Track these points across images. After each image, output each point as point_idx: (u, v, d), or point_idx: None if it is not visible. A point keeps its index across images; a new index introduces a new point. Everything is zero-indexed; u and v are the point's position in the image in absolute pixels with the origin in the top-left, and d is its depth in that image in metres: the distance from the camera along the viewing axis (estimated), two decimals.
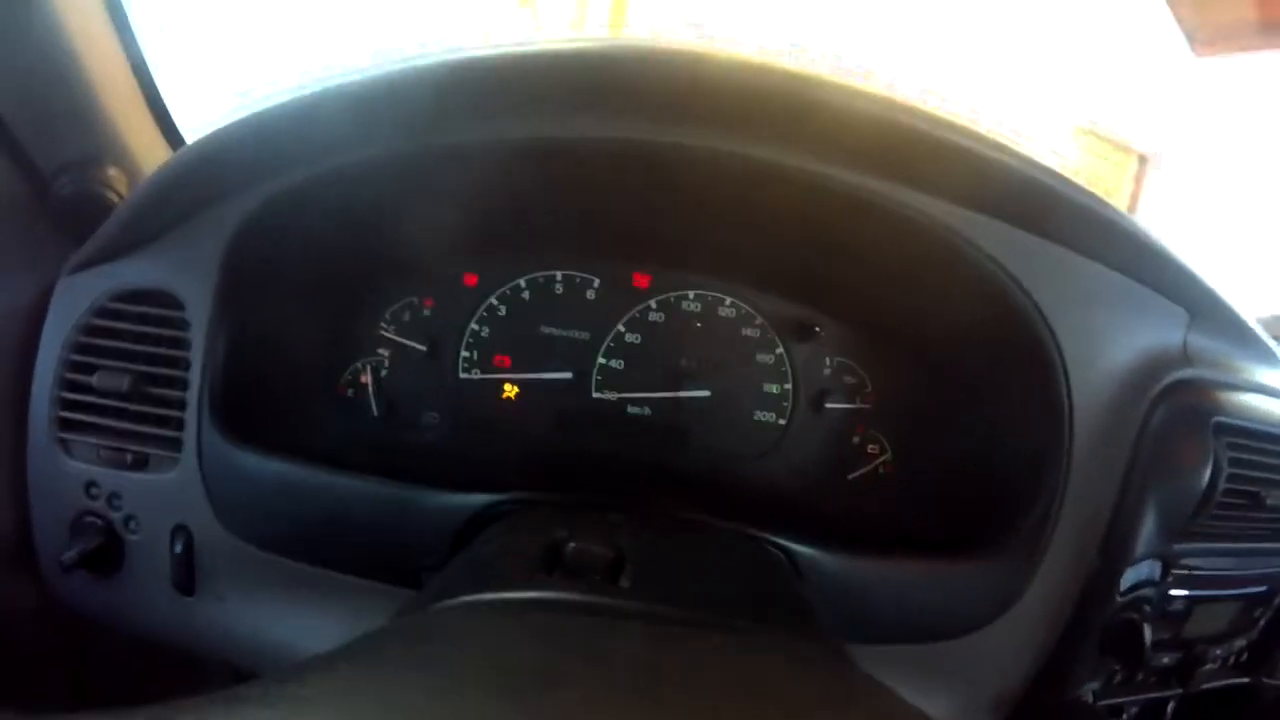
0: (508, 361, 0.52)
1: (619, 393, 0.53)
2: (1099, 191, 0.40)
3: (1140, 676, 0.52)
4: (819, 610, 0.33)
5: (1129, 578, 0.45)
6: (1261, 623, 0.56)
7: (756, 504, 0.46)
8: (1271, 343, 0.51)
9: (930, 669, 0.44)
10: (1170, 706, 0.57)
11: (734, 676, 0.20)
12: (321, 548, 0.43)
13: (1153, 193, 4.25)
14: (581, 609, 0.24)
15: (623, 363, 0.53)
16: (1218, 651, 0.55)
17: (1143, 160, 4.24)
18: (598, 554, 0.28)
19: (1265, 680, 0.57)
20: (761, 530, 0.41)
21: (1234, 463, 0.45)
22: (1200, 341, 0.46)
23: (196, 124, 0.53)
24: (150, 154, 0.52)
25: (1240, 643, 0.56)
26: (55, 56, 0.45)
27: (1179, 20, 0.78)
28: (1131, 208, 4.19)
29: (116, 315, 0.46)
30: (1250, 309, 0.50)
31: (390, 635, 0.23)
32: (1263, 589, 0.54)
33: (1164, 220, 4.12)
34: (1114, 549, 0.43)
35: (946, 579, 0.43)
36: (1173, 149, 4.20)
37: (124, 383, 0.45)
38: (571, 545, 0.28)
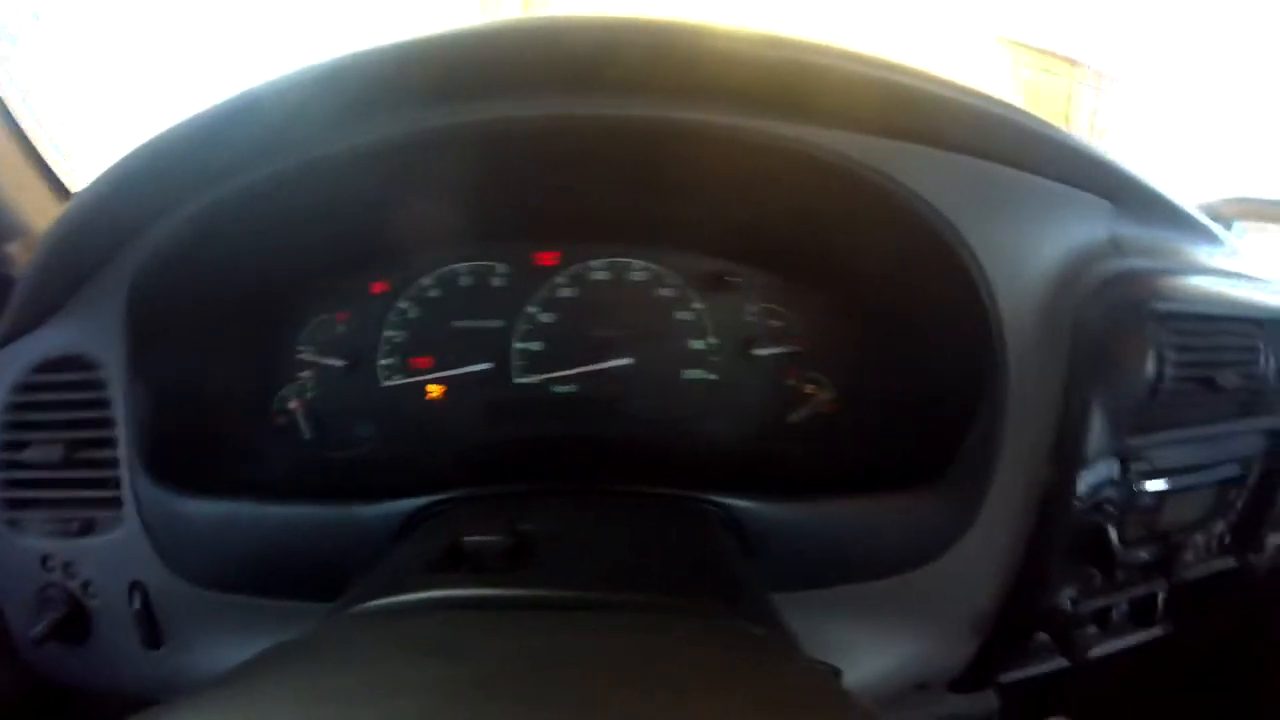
0: (427, 362, 0.51)
1: (541, 374, 0.52)
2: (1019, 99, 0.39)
3: (1120, 575, 0.52)
4: (746, 570, 0.32)
5: (1086, 481, 0.44)
6: (1239, 504, 0.55)
7: (698, 464, 0.45)
8: (1205, 221, 0.49)
9: (899, 602, 0.44)
10: (1160, 598, 0.56)
11: (605, 661, 0.19)
12: (271, 579, 0.43)
13: (1112, 105, 4.26)
14: (474, 603, 0.24)
15: (541, 344, 0.52)
16: (1198, 539, 0.54)
17: (1071, 64, 4.22)
18: (497, 544, 0.28)
19: (1252, 559, 0.57)
20: (702, 491, 0.40)
21: (1178, 348, 0.44)
22: (1128, 230, 0.45)
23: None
24: (48, 220, 0.51)
25: (1220, 526, 0.55)
26: None
27: None
28: (1066, 111, 4.21)
29: (38, 388, 0.46)
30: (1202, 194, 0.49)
31: (276, 655, 0.22)
32: (1236, 470, 0.54)
33: (1121, 128, 4.15)
34: (1065, 455, 0.43)
35: (899, 511, 0.42)
36: (1099, 53, 4.18)
37: (56, 453, 0.45)
38: (468, 539, 0.28)
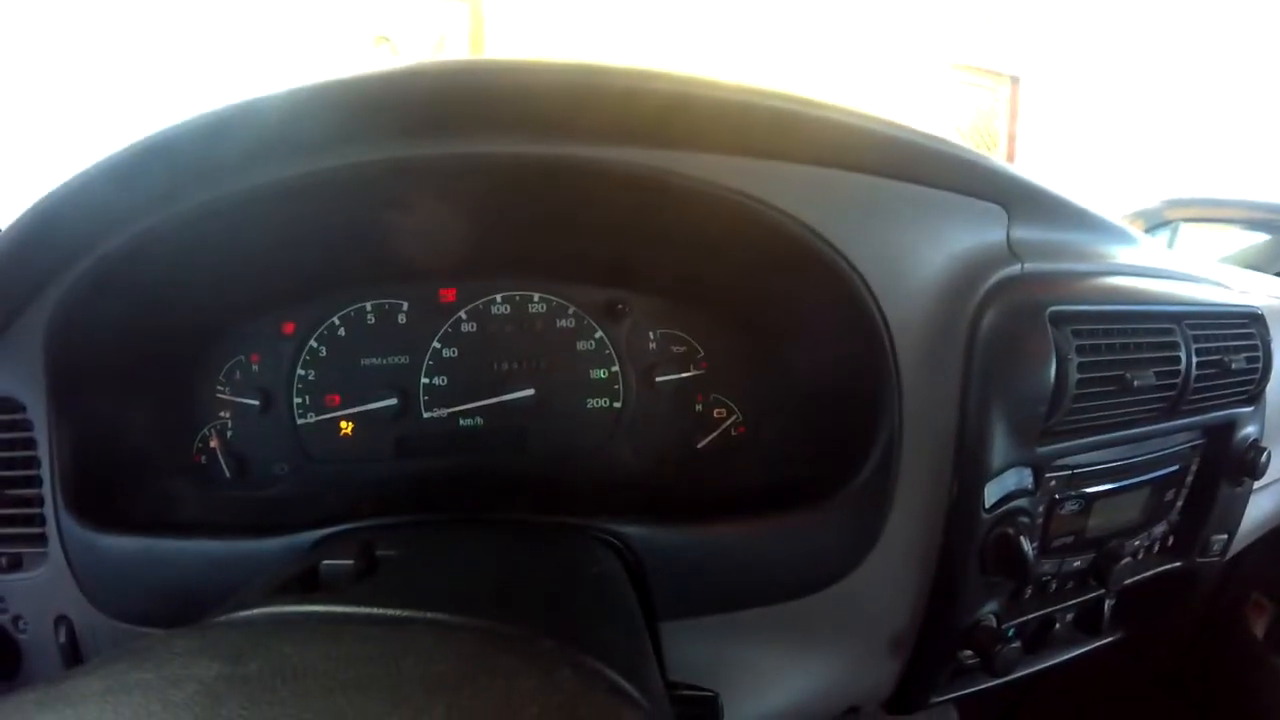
0: (338, 399, 0.53)
1: (448, 408, 0.53)
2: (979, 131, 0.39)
3: (1054, 585, 0.51)
4: (610, 600, 0.32)
5: (993, 492, 0.43)
6: (1179, 504, 0.54)
7: (600, 492, 0.45)
8: (1111, 220, 0.48)
9: (810, 623, 0.43)
10: (1107, 606, 0.55)
11: (357, 670, 0.20)
12: (185, 612, 0.43)
13: (1027, 111, 4.53)
14: (299, 619, 0.25)
15: (446, 378, 0.53)
16: (1135, 543, 0.52)
17: (1014, 81, 4.38)
18: (349, 568, 0.29)
19: (1200, 560, 0.55)
20: (596, 519, 0.40)
21: (1082, 350, 0.43)
22: (1025, 234, 0.44)
23: None
24: None
25: (1161, 528, 0.54)
26: None
27: None
28: (1010, 127, 4.50)
29: None
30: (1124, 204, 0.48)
31: (106, 657, 0.23)
32: (1173, 468, 0.52)
33: (1039, 135, 4.44)
34: (968, 467, 0.42)
35: (797, 532, 0.42)
36: (1039, 69, 4.34)
37: None
38: (324, 563, 0.29)
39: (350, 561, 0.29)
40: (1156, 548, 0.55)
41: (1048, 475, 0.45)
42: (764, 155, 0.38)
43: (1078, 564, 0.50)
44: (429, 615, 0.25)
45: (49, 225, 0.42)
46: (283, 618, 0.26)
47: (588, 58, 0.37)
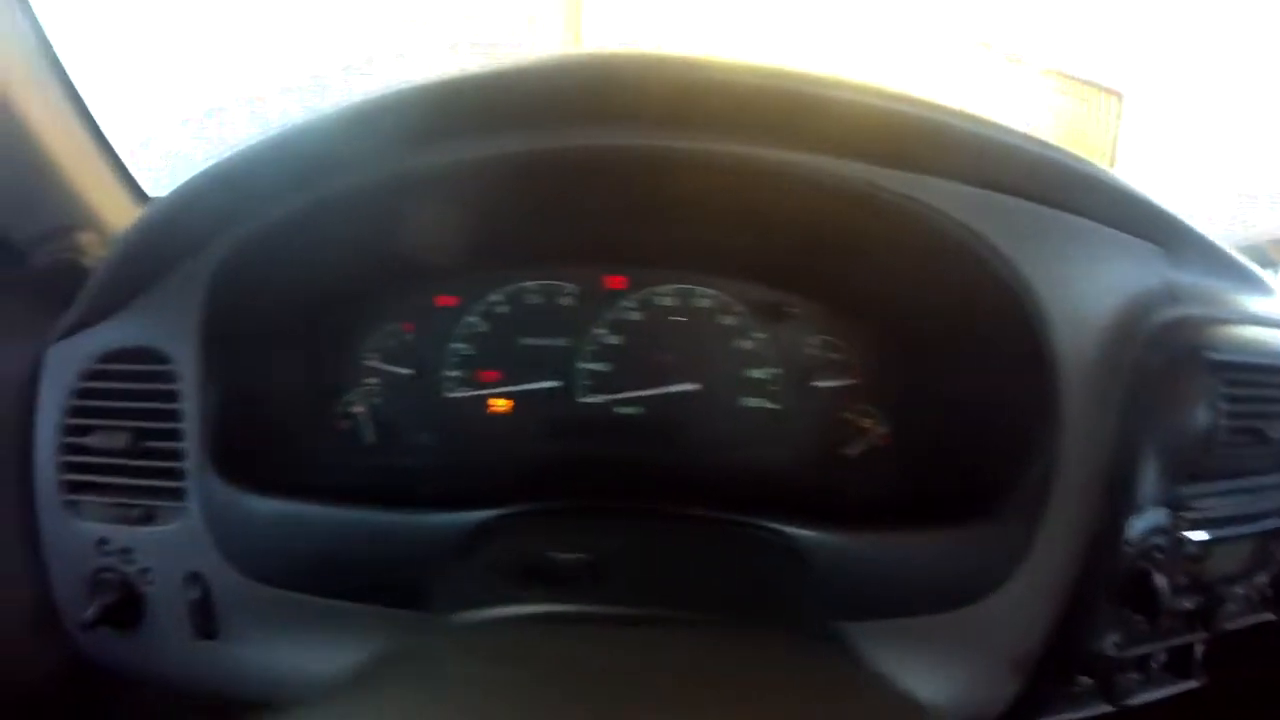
0: (493, 376, 0.52)
1: (606, 395, 0.53)
2: (1069, 141, 0.40)
3: (1162, 623, 0.52)
4: (806, 596, 0.33)
5: (1136, 527, 0.44)
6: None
7: (753, 491, 0.46)
8: (1254, 268, 0.50)
9: (944, 639, 0.44)
10: (1199, 650, 0.56)
11: (708, 678, 0.20)
12: (328, 579, 0.44)
13: (1130, 130, 4.30)
14: (564, 618, 0.25)
15: (607, 365, 0.53)
16: (1239, 590, 0.54)
17: (1119, 98, 4.21)
18: (574, 562, 0.29)
19: None
20: (758, 517, 0.41)
21: (1231, 399, 0.44)
22: (1182, 277, 0.45)
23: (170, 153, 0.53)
24: (120, 215, 0.52)
25: (1262, 578, 0.55)
26: (20, 138, 0.46)
27: None
28: (1112, 147, 4.29)
29: (106, 376, 0.47)
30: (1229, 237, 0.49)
31: (390, 663, 0.23)
32: (1278, 522, 0.54)
33: (1141, 157, 4.24)
34: (1117, 500, 0.43)
35: (950, 547, 0.43)
36: (1145, 85, 4.19)
37: (121, 440, 0.46)
38: (551, 556, 0.29)
39: (578, 556, 0.29)
40: (1256, 598, 0.56)
41: (1181, 515, 0.47)
42: (956, 177, 0.38)
43: (1187, 604, 0.51)
44: (697, 616, 0.25)
45: (224, 186, 0.42)
46: (546, 616, 0.25)
47: (786, 61, 0.37)
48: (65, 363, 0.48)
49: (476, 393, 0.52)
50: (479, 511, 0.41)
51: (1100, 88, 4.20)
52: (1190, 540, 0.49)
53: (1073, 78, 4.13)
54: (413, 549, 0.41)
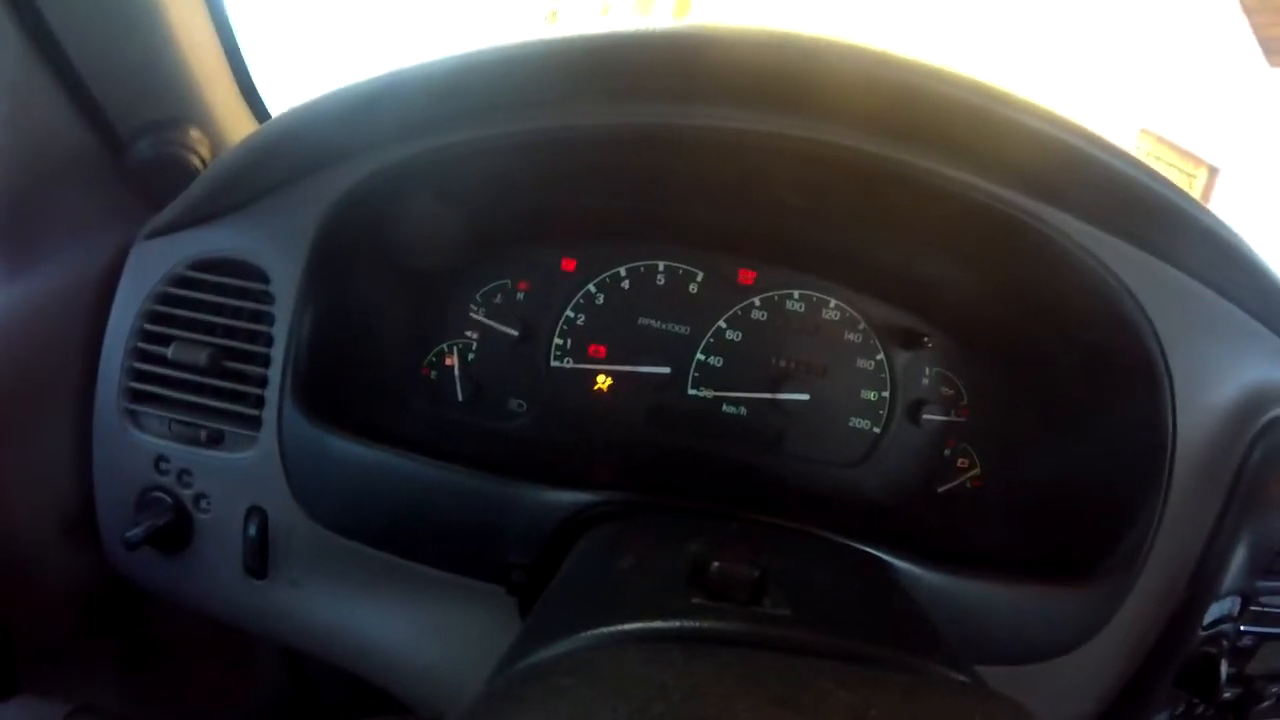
0: (603, 351, 0.51)
1: (715, 391, 0.51)
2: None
3: (1201, 709, 0.53)
4: (946, 632, 0.32)
5: (1212, 612, 0.44)
6: None
7: (849, 513, 0.45)
8: None
9: (1015, 692, 0.44)
10: None
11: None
12: (405, 538, 0.42)
13: (1221, 205, 4.23)
14: (740, 639, 0.23)
15: (721, 360, 0.51)
16: (1274, 689, 0.55)
17: (1212, 172, 4.18)
18: (744, 575, 0.27)
19: None
20: (859, 541, 0.40)
21: None
22: None
23: (280, 94, 0.51)
24: (232, 119, 0.50)
25: None
26: (137, 16, 0.43)
27: (1255, 29, 0.77)
28: None
29: (195, 285, 0.45)
30: None
31: (552, 668, 0.22)
32: None
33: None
34: (1202, 583, 0.43)
35: (1035, 602, 0.42)
36: (1241, 160, 4.11)
37: (202, 356, 0.43)
38: (716, 565, 0.27)
39: (746, 568, 0.27)
40: None
41: (1249, 607, 0.47)
42: (1126, 235, 0.38)
43: (1226, 695, 0.52)
44: (870, 650, 0.24)
45: (379, 106, 0.39)
46: (713, 634, 0.24)
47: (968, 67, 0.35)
48: (152, 263, 0.45)
49: (582, 366, 0.50)
50: (579, 494, 0.39)
51: (1194, 158, 4.14)
52: (1247, 633, 0.49)
53: (1168, 143, 4.03)
54: (504, 521, 0.40)
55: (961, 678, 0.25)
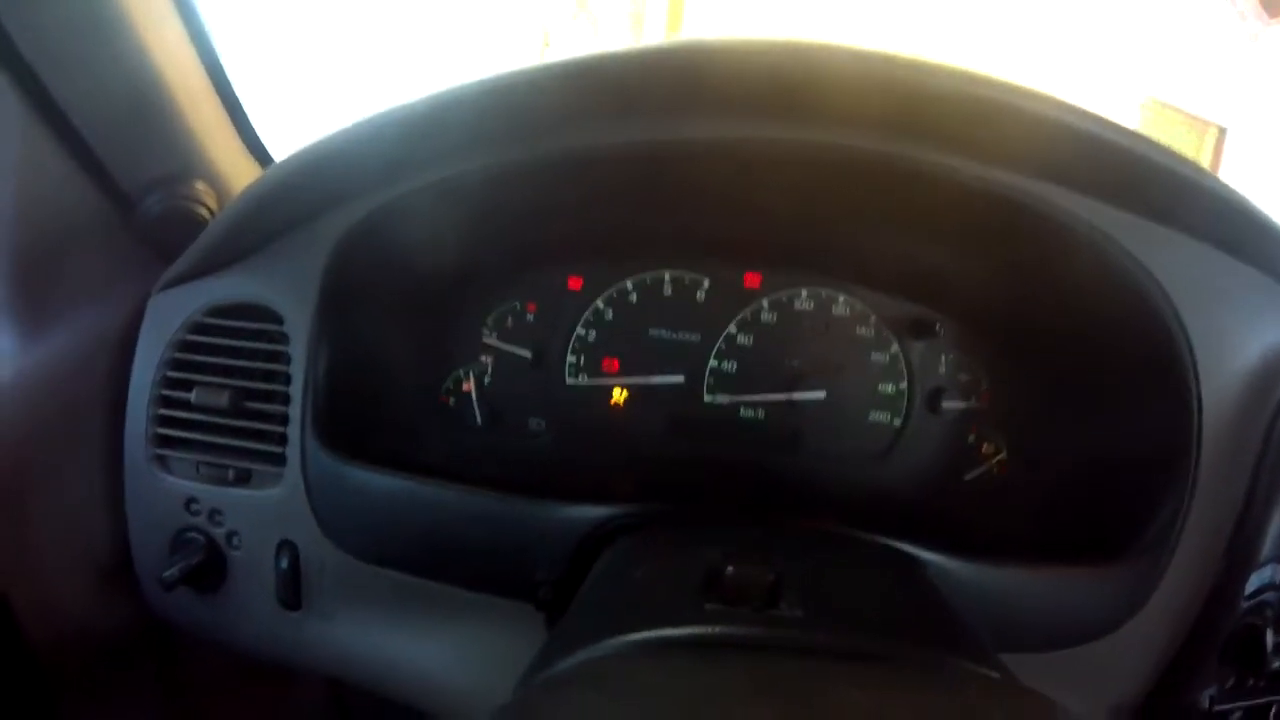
0: (616, 365, 0.51)
1: (732, 396, 0.51)
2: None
3: (1251, 681, 0.51)
4: (975, 625, 0.32)
5: (1253, 582, 0.43)
6: None
7: (874, 508, 0.45)
8: None
9: (1050, 677, 0.43)
10: (1274, 710, 0.55)
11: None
12: (432, 561, 0.42)
13: (1232, 164, 4.14)
14: (757, 644, 0.23)
15: (735, 365, 0.51)
16: None
17: (1221, 132, 4.09)
18: (759, 579, 0.27)
19: None
20: (886, 536, 0.40)
21: None
22: None
23: (282, 138, 0.52)
24: (236, 169, 0.51)
25: None
26: (138, 78, 0.44)
27: None
28: None
29: (213, 330, 0.46)
30: None
31: (566, 680, 0.22)
32: None
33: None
34: (1240, 553, 0.42)
35: (1072, 585, 0.42)
36: (1245, 120, 4.04)
37: (223, 398, 0.45)
38: (730, 570, 0.27)
39: (761, 572, 0.27)
40: None
41: None
42: (1135, 208, 0.38)
43: (1275, 665, 0.50)
44: (889, 649, 0.24)
45: (373, 147, 0.40)
46: (731, 639, 0.24)
47: (965, 62, 0.35)
48: (169, 313, 0.46)
49: (597, 381, 0.51)
50: (600, 508, 0.40)
51: (1202, 120, 4.07)
52: None
53: (1172, 107, 3.99)
54: (527, 539, 0.40)
55: (985, 671, 0.25)
